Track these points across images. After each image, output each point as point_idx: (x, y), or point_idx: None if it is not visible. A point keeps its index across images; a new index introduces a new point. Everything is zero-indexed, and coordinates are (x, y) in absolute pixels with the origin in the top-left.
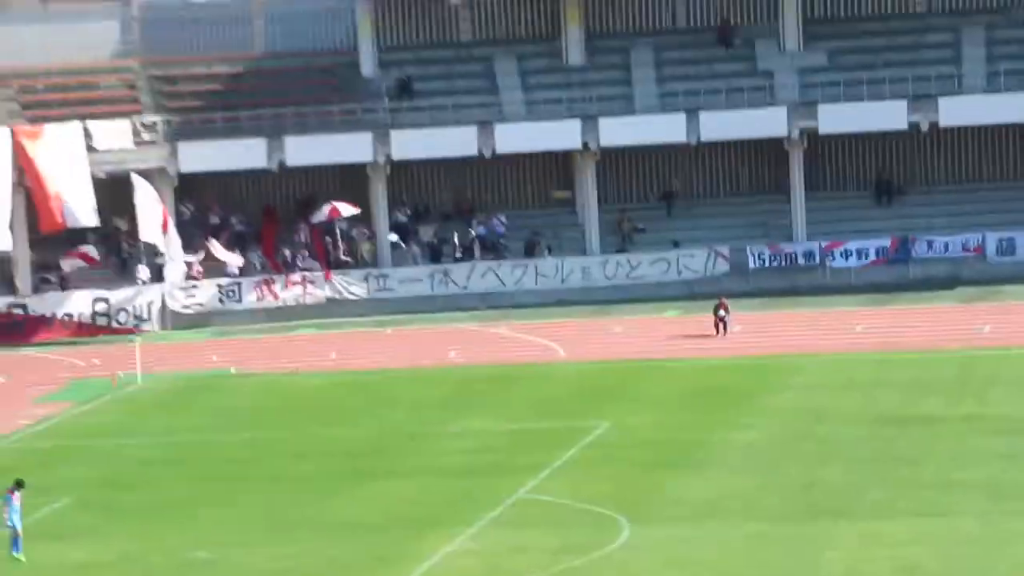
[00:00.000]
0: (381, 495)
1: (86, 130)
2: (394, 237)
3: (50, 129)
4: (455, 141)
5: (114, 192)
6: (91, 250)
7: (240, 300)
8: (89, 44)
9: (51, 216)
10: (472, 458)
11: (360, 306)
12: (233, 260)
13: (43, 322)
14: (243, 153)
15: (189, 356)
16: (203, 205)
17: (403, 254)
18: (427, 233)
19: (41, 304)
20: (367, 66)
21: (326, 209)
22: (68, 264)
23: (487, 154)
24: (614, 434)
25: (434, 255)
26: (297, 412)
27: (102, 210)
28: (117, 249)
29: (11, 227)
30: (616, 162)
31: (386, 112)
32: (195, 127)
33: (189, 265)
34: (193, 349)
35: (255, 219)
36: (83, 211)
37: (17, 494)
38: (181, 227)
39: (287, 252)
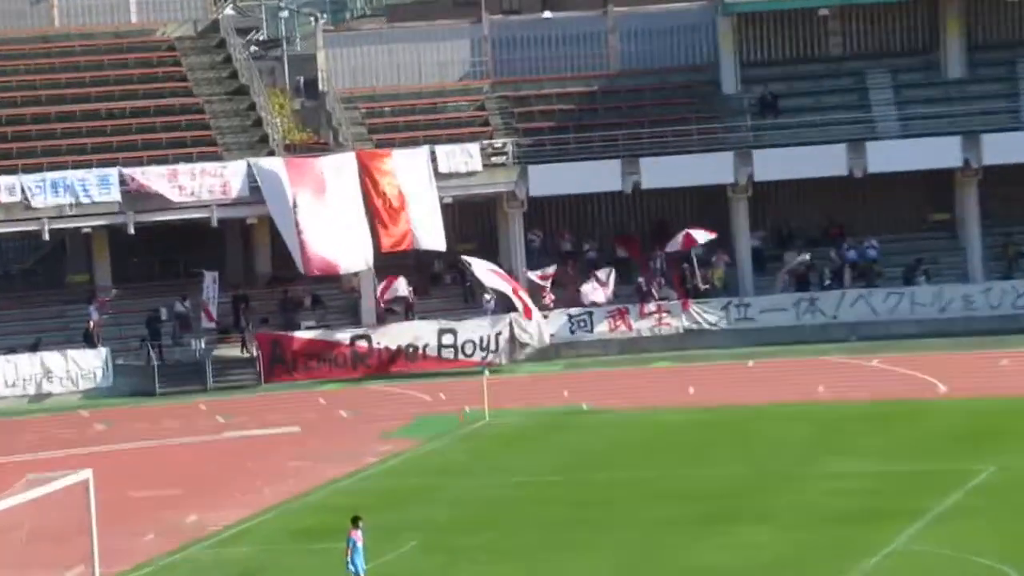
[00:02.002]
0: (741, 541)
1: (433, 153)
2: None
3: (397, 153)
4: (823, 160)
5: (462, 217)
6: (401, 285)
7: (591, 330)
8: (437, 65)
9: (395, 238)
10: (842, 503)
11: (719, 337)
12: (598, 295)
13: (387, 354)
14: (596, 176)
15: (538, 391)
16: (553, 231)
17: (766, 281)
18: (792, 258)
19: (385, 336)
20: (728, 82)
21: (679, 238)
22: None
23: (858, 173)
24: (1002, 479)
25: (799, 282)
26: (652, 451)
27: (448, 235)
28: (462, 277)
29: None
30: (1000, 181)
31: (748, 131)
32: (546, 149)
33: (543, 290)
34: (543, 383)
35: (607, 245)
36: (430, 235)
37: (358, 532)
38: (530, 255)
39: (640, 280)
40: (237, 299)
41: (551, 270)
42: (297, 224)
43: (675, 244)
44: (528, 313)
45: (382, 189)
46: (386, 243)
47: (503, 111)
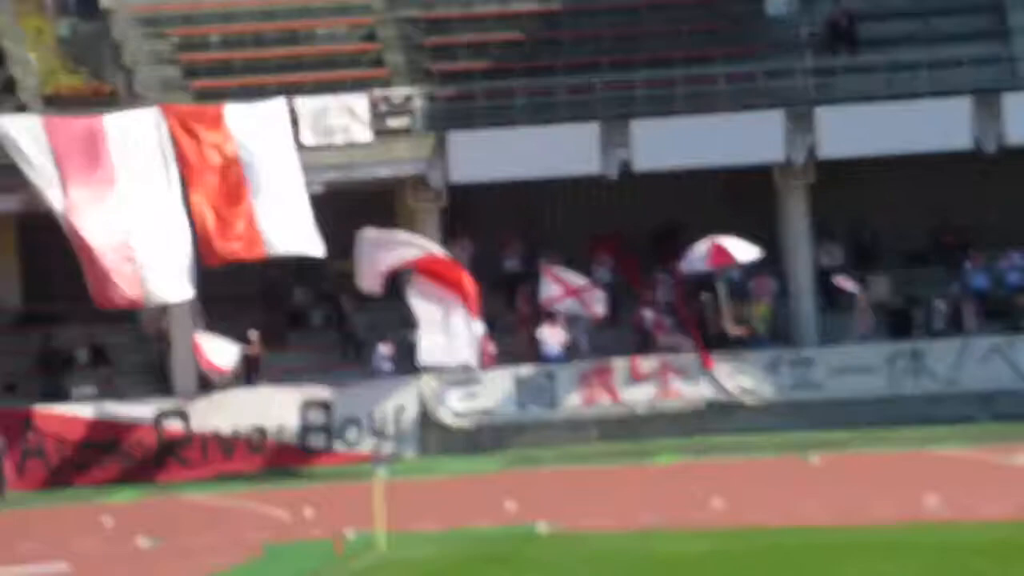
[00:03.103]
0: None
1: (292, 110)
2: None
3: (232, 109)
4: (931, 126)
5: (340, 218)
6: None
7: (553, 404)
8: None
9: (231, 243)
10: None
11: (762, 415)
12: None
13: (217, 443)
14: (559, 150)
15: (467, 502)
16: (490, 239)
17: (837, 323)
18: (879, 286)
19: (212, 412)
20: None
21: (703, 249)
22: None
23: (990, 148)
24: None
25: (895, 325)
26: None
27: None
28: (340, 315)
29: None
30: None
31: (807, 76)
32: (476, 105)
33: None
34: (474, 489)
35: (579, 262)
36: (292, 235)
37: None
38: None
39: (646, 314)
40: None
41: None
42: (71, 226)
43: (692, 262)
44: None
45: (208, 165)
46: (216, 251)
47: (406, 43)
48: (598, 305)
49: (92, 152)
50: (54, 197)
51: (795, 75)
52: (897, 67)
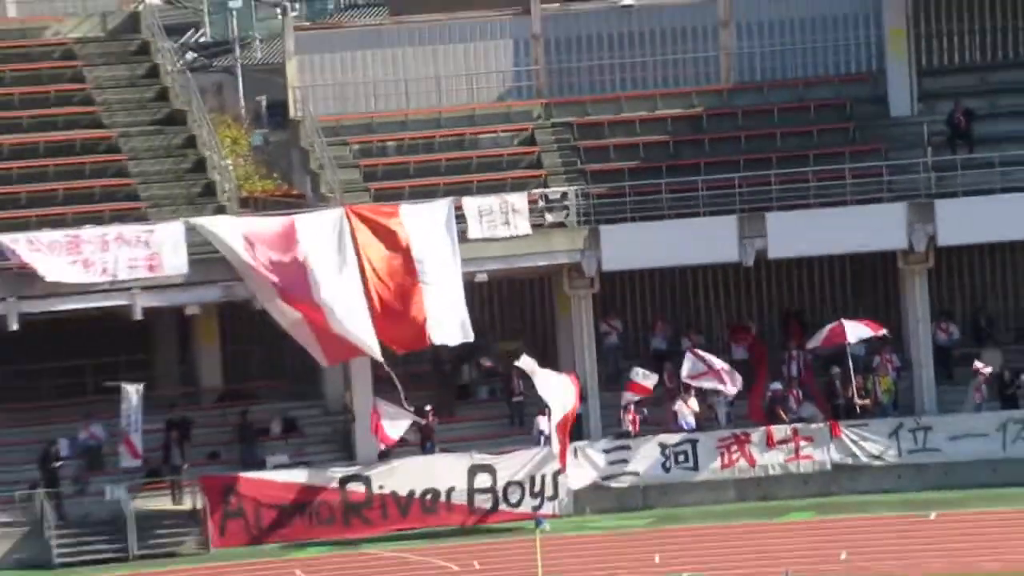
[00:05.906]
0: None
1: (458, 209)
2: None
3: (407, 209)
4: None
5: (503, 303)
6: None
7: (696, 467)
8: (464, 78)
9: (405, 334)
10: None
11: (886, 476)
12: (728, 385)
13: (395, 504)
14: (700, 241)
15: (618, 555)
16: (639, 321)
17: (954, 394)
18: (993, 359)
19: (392, 476)
20: (899, 99)
21: (826, 331)
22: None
23: None
24: None
25: (1008, 396)
26: None
27: (480, 328)
28: (507, 387)
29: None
30: None
31: (929, 171)
32: (626, 202)
33: (627, 410)
34: (624, 544)
35: (719, 340)
36: (445, 326)
37: None
38: (604, 356)
39: (775, 387)
40: (171, 425)
41: (649, 380)
42: (275, 306)
43: (814, 340)
44: (563, 460)
45: (384, 262)
46: (392, 340)
47: (562, 145)
48: (733, 386)
49: (285, 246)
50: (257, 287)
51: (918, 170)
52: (1011, 162)
